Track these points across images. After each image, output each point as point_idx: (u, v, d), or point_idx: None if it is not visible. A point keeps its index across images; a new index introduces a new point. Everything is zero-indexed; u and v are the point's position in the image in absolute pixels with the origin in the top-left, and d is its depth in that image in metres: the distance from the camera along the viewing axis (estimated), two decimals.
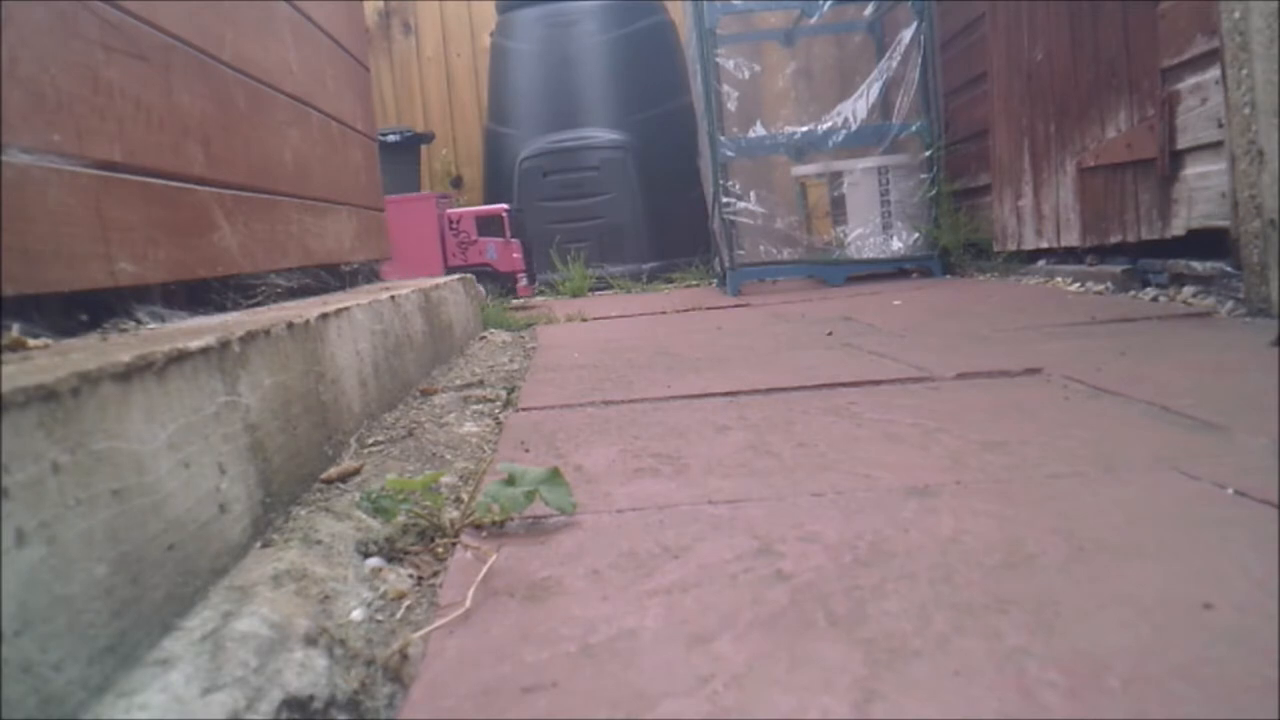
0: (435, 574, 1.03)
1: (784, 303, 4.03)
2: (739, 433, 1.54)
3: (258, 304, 2.00)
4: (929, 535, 0.99)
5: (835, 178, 5.10)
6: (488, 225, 4.90)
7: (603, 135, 5.74)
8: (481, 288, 4.71)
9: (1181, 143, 2.80)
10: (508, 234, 4.86)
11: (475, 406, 1.95)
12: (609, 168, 5.72)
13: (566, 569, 0.98)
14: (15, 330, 1.17)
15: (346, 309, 1.68)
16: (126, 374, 0.81)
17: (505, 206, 4.90)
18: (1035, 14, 3.87)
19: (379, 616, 0.91)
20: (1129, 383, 1.67)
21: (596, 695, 0.71)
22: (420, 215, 4.94)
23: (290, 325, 1.32)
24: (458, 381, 2.28)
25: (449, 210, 4.97)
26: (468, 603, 0.89)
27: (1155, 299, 2.88)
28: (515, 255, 4.87)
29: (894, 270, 4.90)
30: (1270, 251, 2.29)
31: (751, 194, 5.18)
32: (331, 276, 2.64)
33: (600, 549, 1.03)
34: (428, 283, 2.78)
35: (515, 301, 4.96)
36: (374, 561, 1.04)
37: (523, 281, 4.89)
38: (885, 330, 2.73)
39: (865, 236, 4.95)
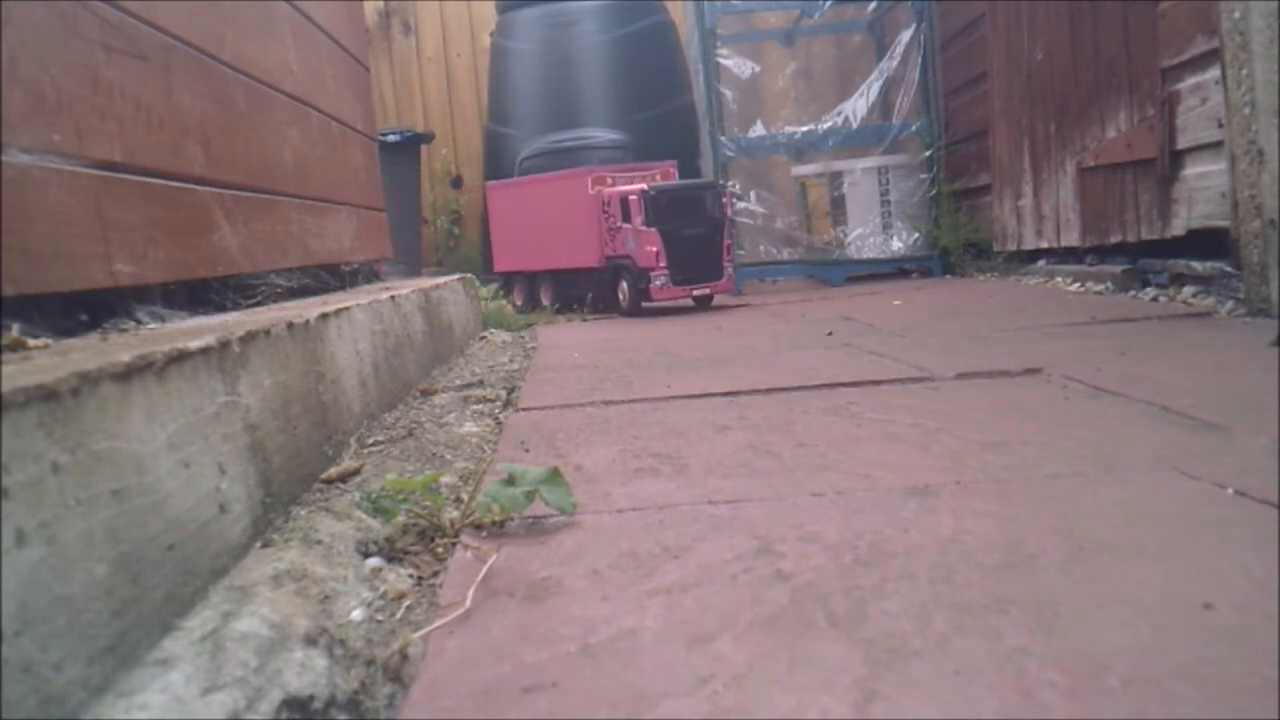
0: (435, 574, 1.02)
1: (784, 303, 4.03)
2: (739, 433, 1.54)
3: (258, 304, 2.00)
4: (929, 535, 0.99)
5: (835, 178, 5.10)
6: (627, 210, 3.91)
7: (603, 135, 5.73)
8: (625, 284, 3.96)
9: (1181, 143, 2.79)
10: (640, 220, 3.81)
11: (475, 406, 1.95)
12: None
13: (566, 569, 0.98)
14: (15, 330, 1.17)
15: (346, 309, 1.68)
16: (126, 374, 0.81)
17: (643, 187, 3.84)
18: (1035, 14, 3.87)
19: (379, 616, 0.91)
20: (1129, 383, 1.67)
21: (596, 695, 0.71)
22: (574, 194, 4.10)
23: (290, 325, 1.32)
24: (458, 381, 2.28)
25: (605, 189, 4.01)
26: (468, 603, 0.89)
27: (1155, 299, 2.88)
28: (650, 248, 3.78)
29: (894, 270, 4.90)
30: (1270, 251, 2.29)
31: (751, 194, 5.18)
32: (331, 276, 2.64)
33: (600, 549, 1.03)
34: (427, 283, 2.78)
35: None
36: (374, 561, 1.04)
37: (659, 281, 3.81)
38: (885, 330, 2.73)
39: (865, 236, 4.95)
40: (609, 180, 4.07)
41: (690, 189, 3.97)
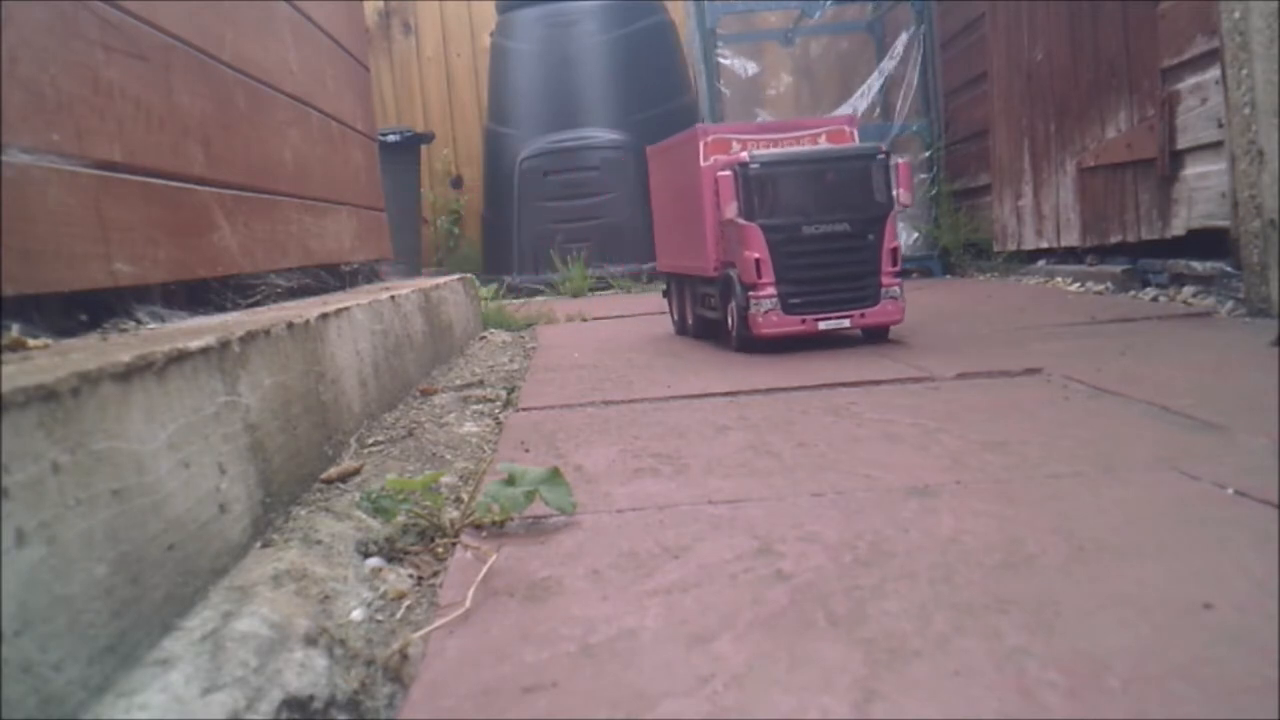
0: (435, 574, 1.02)
1: None
2: (739, 432, 1.54)
3: (257, 304, 2.00)
4: (929, 535, 0.99)
5: None
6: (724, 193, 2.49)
7: (603, 135, 5.73)
8: (733, 305, 2.48)
9: (1181, 143, 2.80)
10: (734, 210, 2.40)
11: (475, 406, 1.95)
12: (609, 168, 5.71)
13: (566, 569, 0.98)
14: (15, 330, 1.17)
15: (346, 309, 1.68)
16: (126, 374, 0.81)
17: (742, 158, 2.42)
18: (1035, 14, 3.87)
19: (379, 616, 0.91)
20: (1129, 383, 1.67)
21: (596, 695, 0.71)
22: (688, 166, 2.69)
23: (290, 325, 1.32)
24: (458, 381, 2.28)
25: (721, 159, 2.55)
26: (468, 603, 0.89)
27: (1155, 299, 2.88)
28: (750, 254, 2.39)
29: None
30: (1270, 251, 2.29)
31: None
32: (331, 276, 2.64)
33: (600, 549, 1.03)
34: (427, 283, 2.78)
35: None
36: (374, 561, 1.04)
37: (763, 305, 2.38)
38: None
39: None
40: (735, 145, 2.61)
41: (825, 160, 2.44)
